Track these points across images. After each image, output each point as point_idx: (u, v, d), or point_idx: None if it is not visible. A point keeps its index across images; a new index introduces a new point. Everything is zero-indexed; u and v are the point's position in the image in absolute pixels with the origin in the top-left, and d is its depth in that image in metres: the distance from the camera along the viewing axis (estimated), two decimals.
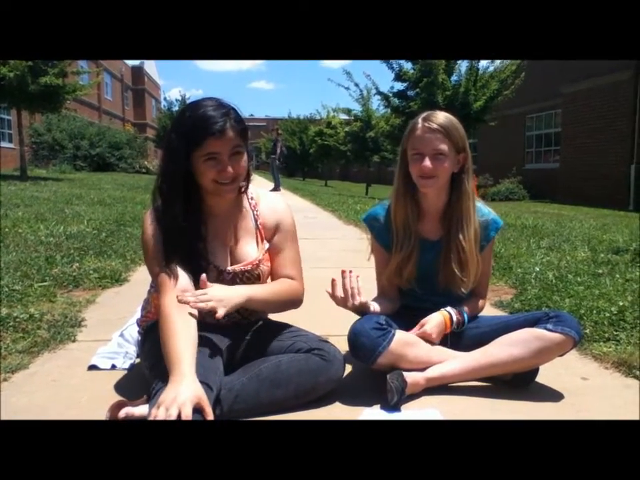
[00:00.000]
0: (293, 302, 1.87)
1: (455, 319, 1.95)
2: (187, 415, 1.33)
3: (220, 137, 1.61)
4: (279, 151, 16.65)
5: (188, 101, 30.26)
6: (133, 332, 2.21)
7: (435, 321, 1.92)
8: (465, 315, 1.98)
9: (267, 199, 1.91)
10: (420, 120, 1.89)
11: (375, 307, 1.92)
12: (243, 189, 1.82)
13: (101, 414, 1.50)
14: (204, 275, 1.66)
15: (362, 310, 1.87)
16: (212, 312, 1.60)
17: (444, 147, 1.85)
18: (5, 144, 19.99)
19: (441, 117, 1.89)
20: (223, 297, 1.64)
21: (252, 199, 1.87)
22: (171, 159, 1.67)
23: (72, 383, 1.90)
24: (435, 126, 1.85)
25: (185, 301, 1.59)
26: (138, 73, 41.75)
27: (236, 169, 1.67)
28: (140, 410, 1.49)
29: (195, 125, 1.62)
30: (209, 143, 1.61)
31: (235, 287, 1.73)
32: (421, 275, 1.99)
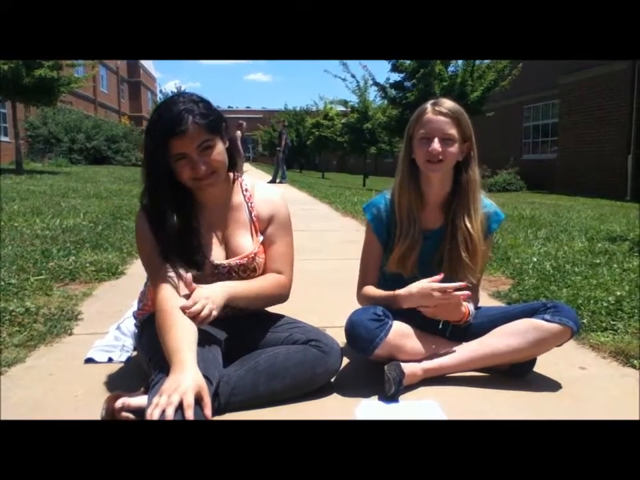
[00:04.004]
0: (278, 297, 1.85)
1: (471, 312, 1.91)
2: (189, 403, 1.32)
3: (182, 137, 1.58)
4: (283, 143, 16.49)
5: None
6: (130, 325, 2.20)
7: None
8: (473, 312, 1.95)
9: (261, 190, 1.88)
10: (429, 105, 1.88)
11: None
12: (234, 179, 1.81)
13: (98, 407, 1.49)
14: (189, 275, 1.62)
15: None
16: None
17: (453, 131, 1.83)
18: (0, 137, 19.89)
19: (450, 103, 1.88)
20: (210, 295, 1.62)
21: (246, 190, 1.85)
22: (150, 161, 1.65)
23: (68, 376, 1.89)
24: (444, 110, 1.83)
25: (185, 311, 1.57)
26: (133, 65, 41.53)
27: (208, 163, 1.63)
28: (137, 401, 1.49)
29: (157, 128, 1.60)
30: (173, 144, 1.59)
31: (216, 285, 1.68)
32: (420, 263, 1.97)
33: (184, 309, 1.56)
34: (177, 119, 1.58)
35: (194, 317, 1.56)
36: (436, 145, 1.82)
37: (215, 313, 1.59)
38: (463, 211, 1.91)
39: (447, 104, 1.86)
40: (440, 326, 1.92)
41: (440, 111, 1.83)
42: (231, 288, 1.70)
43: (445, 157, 1.84)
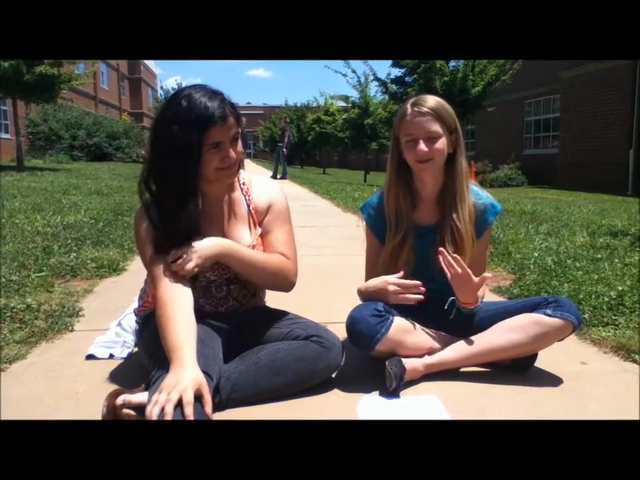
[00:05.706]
0: (283, 277, 1.80)
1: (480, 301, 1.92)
2: (188, 400, 1.32)
3: (222, 126, 1.59)
4: (286, 139, 16.45)
5: None
6: (131, 321, 2.20)
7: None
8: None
9: (258, 183, 1.89)
10: (409, 105, 1.87)
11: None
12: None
13: (99, 404, 1.49)
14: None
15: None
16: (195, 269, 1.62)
17: (436, 128, 1.83)
18: (1, 135, 19.89)
19: (430, 99, 1.87)
20: (197, 247, 1.63)
21: (244, 184, 1.86)
22: (179, 151, 1.58)
23: (70, 373, 1.90)
24: (424, 109, 1.83)
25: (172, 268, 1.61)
26: (134, 62, 41.42)
27: (236, 153, 1.66)
28: (138, 397, 1.49)
29: (192, 116, 1.57)
30: (212, 132, 1.58)
31: (211, 238, 1.68)
32: (417, 260, 1.96)
33: (170, 261, 1.60)
34: (218, 107, 1.58)
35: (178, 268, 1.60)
36: (422, 146, 1.83)
37: (194, 266, 1.61)
38: (452, 204, 1.91)
39: (427, 102, 1.85)
40: (446, 306, 1.91)
41: (420, 111, 1.83)
42: (227, 244, 1.69)
43: (433, 154, 1.84)
